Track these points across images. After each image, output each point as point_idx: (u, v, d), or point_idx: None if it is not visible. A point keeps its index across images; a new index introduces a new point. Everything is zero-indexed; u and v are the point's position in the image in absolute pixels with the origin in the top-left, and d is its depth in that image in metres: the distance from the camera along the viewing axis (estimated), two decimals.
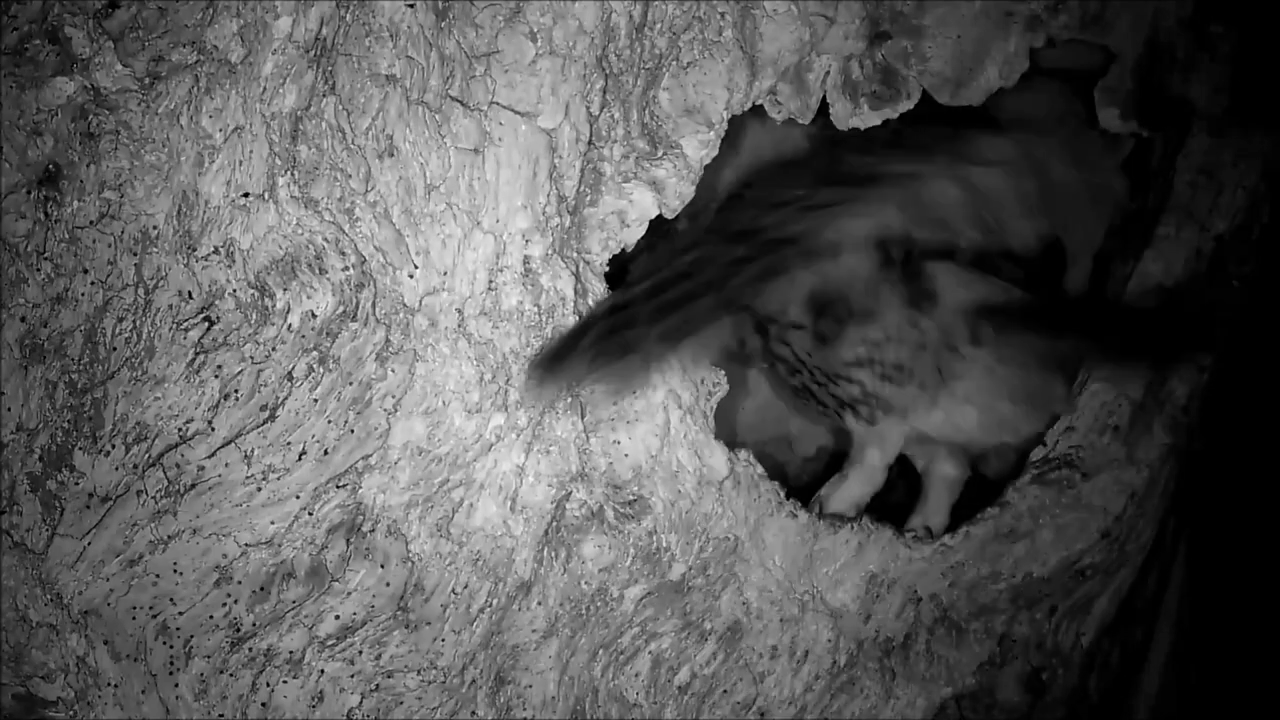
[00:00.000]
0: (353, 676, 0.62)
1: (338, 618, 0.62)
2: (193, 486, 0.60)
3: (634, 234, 0.66)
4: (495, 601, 0.64)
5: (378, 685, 0.63)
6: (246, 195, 0.59)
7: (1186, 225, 0.72)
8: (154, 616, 0.60)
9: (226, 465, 0.60)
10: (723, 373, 0.68)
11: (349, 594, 0.62)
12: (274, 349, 0.60)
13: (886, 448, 0.73)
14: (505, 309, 0.62)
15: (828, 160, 0.73)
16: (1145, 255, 0.72)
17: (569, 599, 0.65)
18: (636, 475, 0.65)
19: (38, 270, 0.59)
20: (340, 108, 0.59)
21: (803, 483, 0.84)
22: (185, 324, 0.59)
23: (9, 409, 0.59)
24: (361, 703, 0.63)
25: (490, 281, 0.62)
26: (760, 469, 0.68)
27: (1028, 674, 0.71)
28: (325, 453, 0.61)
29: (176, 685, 0.61)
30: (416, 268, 0.61)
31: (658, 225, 0.66)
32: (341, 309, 0.60)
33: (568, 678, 0.65)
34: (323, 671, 0.62)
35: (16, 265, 0.58)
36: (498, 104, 0.61)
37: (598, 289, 0.65)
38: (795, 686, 0.69)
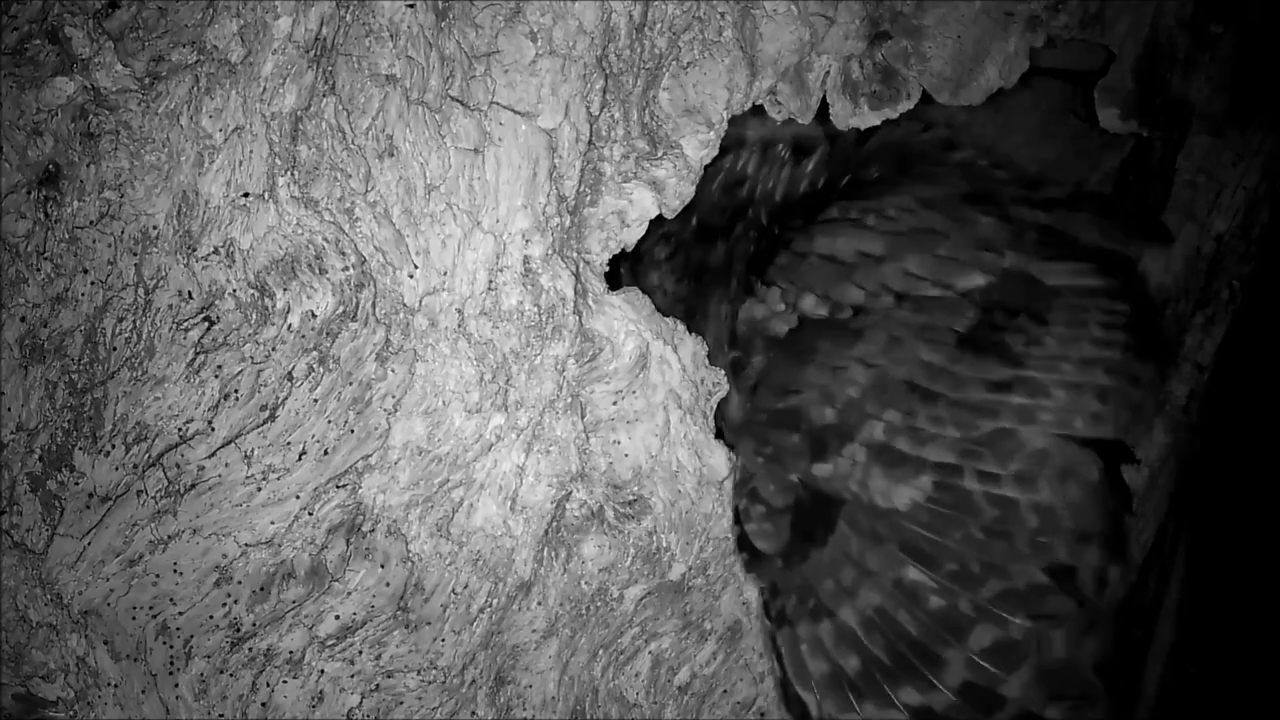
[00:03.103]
0: (353, 676, 0.62)
1: (338, 618, 0.62)
2: (193, 486, 0.60)
3: (634, 234, 0.66)
4: (495, 601, 0.64)
5: (378, 685, 0.63)
6: (246, 195, 0.59)
7: (1186, 225, 0.72)
8: (154, 616, 0.60)
9: (226, 465, 0.60)
10: (723, 373, 0.68)
11: (349, 594, 0.62)
12: (274, 349, 0.60)
13: None
14: (505, 309, 0.62)
15: None
16: (1145, 254, 0.72)
17: (569, 599, 0.65)
18: (636, 475, 0.65)
19: (38, 270, 0.59)
20: (340, 108, 0.59)
21: None
22: (185, 324, 0.59)
23: (9, 409, 0.59)
24: (361, 703, 0.63)
25: (490, 281, 0.62)
26: None
27: None
28: (325, 453, 0.61)
29: (176, 685, 0.61)
30: (416, 268, 0.61)
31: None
32: (341, 309, 0.60)
33: (568, 678, 0.65)
34: (323, 671, 0.62)
35: (16, 265, 0.58)
36: (498, 104, 0.61)
37: (598, 289, 0.65)
38: None
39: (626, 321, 0.65)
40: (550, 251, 0.62)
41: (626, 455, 0.65)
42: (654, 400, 0.65)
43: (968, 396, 0.62)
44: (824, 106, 0.69)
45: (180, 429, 0.60)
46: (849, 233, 0.68)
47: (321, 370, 0.60)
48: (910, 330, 0.64)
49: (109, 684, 0.61)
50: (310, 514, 0.61)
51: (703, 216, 0.75)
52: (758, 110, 0.68)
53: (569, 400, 0.64)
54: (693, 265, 0.76)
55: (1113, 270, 0.67)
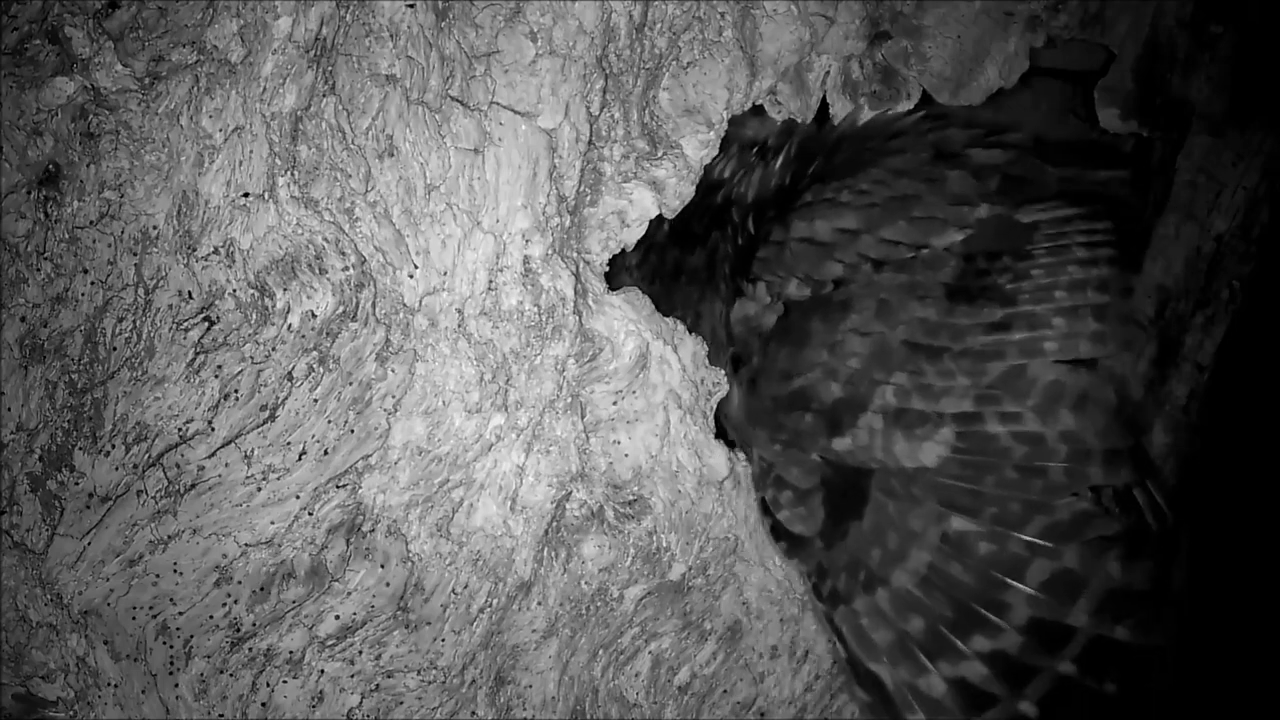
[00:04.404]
0: (353, 676, 0.62)
1: (338, 618, 0.62)
2: (193, 486, 0.60)
3: (634, 234, 0.66)
4: (495, 601, 0.64)
5: (378, 685, 0.63)
6: (246, 195, 0.59)
7: (1186, 225, 0.72)
8: (154, 616, 0.60)
9: (226, 465, 0.60)
10: (723, 373, 0.68)
11: (349, 594, 0.62)
12: (274, 349, 0.60)
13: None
14: (505, 309, 0.62)
15: None
16: (1145, 255, 0.72)
17: (569, 599, 0.65)
18: (636, 475, 0.65)
19: (38, 270, 0.59)
20: (340, 108, 0.59)
21: None
22: (185, 324, 0.59)
23: (9, 409, 0.59)
24: (361, 703, 0.63)
25: (490, 281, 0.62)
26: None
27: None
28: (325, 453, 0.61)
29: (176, 685, 0.61)
30: (416, 268, 0.61)
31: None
32: (341, 309, 0.60)
33: (568, 678, 0.65)
34: (323, 671, 0.62)
35: (16, 265, 0.58)
36: (498, 104, 0.61)
37: (598, 289, 0.65)
38: (795, 686, 0.69)
39: (626, 321, 0.65)
40: (550, 251, 0.62)
41: (626, 455, 0.65)
42: (654, 400, 0.65)
43: (970, 344, 0.62)
44: (823, 106, 0.69)
45: (180, 429, 0.60)
46: (824, 213, 0.68)
47: (321, 370, 0.60)
48: (897, 291, 0.64)
49: (109, 684, 0.61)
50: (310, 514, 0.61)
51: (674, 218, 0.74)
52: (757, 110, 0.68)
53: (569, 400, 0.64)
54: (667, 265, 0.76)
55: (1084, 199, 0.67)
